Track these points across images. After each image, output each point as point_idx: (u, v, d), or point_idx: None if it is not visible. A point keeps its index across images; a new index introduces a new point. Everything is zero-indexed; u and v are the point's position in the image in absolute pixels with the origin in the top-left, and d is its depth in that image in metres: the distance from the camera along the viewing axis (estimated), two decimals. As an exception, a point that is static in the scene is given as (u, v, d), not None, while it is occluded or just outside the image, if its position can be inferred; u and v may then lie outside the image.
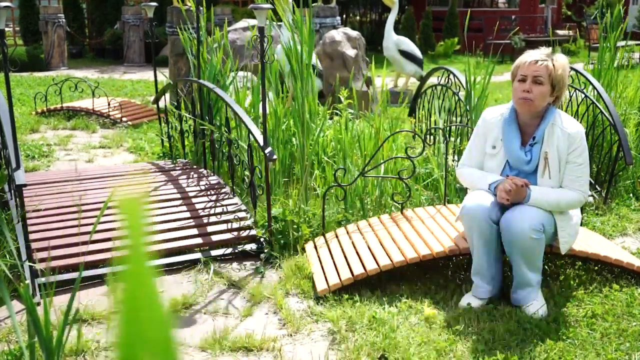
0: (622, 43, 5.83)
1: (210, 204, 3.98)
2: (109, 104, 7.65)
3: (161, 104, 5.53)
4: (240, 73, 5.74)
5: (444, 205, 3.82)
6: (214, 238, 3.62)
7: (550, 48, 3.00)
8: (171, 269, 3.39)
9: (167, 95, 6.20)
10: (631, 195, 4.56)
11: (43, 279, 3.02)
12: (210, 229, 3.70)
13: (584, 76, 4.77)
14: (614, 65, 5.26)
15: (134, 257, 0.35)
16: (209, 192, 4.16)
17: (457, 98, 5.13)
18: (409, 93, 8.72)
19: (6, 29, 3.35)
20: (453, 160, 4.59)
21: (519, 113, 2.94)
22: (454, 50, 16.81)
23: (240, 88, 5.11)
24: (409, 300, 2.96)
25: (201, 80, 4.56)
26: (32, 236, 3.30)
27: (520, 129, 2.96)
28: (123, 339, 0.34)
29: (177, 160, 5.08)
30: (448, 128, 4.36)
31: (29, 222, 3.40)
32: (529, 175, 2.92)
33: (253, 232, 3.67)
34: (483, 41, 15.20)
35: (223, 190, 4.16)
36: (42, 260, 3.16)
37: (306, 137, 4.19)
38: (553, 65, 2.85)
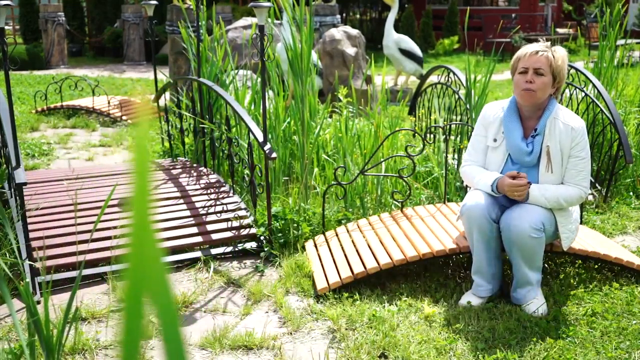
0: (622, 41, 5.83)
1: (210, 202, 3.98)
2: (108, 103, 7.65)
3: (161, 102, 5.53)
4: (240, 71, 5.74)
5: (444, 203, 3.82)
6: (214, 236, 3.62)
7: (548, 41, 3.00)
8: (171, 267, 3.40)
9: (167, 93, 6.20)
10: (631, 193, 4.56)
11: (44, 277, 3.02)
12: (210, 227, 3.70)
13: (584, 74, 4.76)
14: (614, 64, 5.26)
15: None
16: (208, 191, 4.16)
17: (457, 96, 5.13)
18: (409, 91, 8.72)
19: (6, 27, 3.35)
20: (453, 159, 4.59)
21: (521, 105, 2.94)
22: (454, 48, 16.81)
23: (240, 86, 5.10)
24: (409, 298, 2.96)
25: (201, 79, 4.55)
26: (32, 234, 3.30)
27: (521, 122, 2.96)
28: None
29: (177, 158, 5.07)
30: (448, 126, 4.36)
31: (29, 220, 3.40)
32: (530, 169, 2.92)
33: (253, 230, 3.67)
34: (483, 39, 15.19)
35: (223, 189, 4.16)
36: (46, 258, 3.16)
37: (306, 136, 4.19)
38: (553, 56, 2.86)
